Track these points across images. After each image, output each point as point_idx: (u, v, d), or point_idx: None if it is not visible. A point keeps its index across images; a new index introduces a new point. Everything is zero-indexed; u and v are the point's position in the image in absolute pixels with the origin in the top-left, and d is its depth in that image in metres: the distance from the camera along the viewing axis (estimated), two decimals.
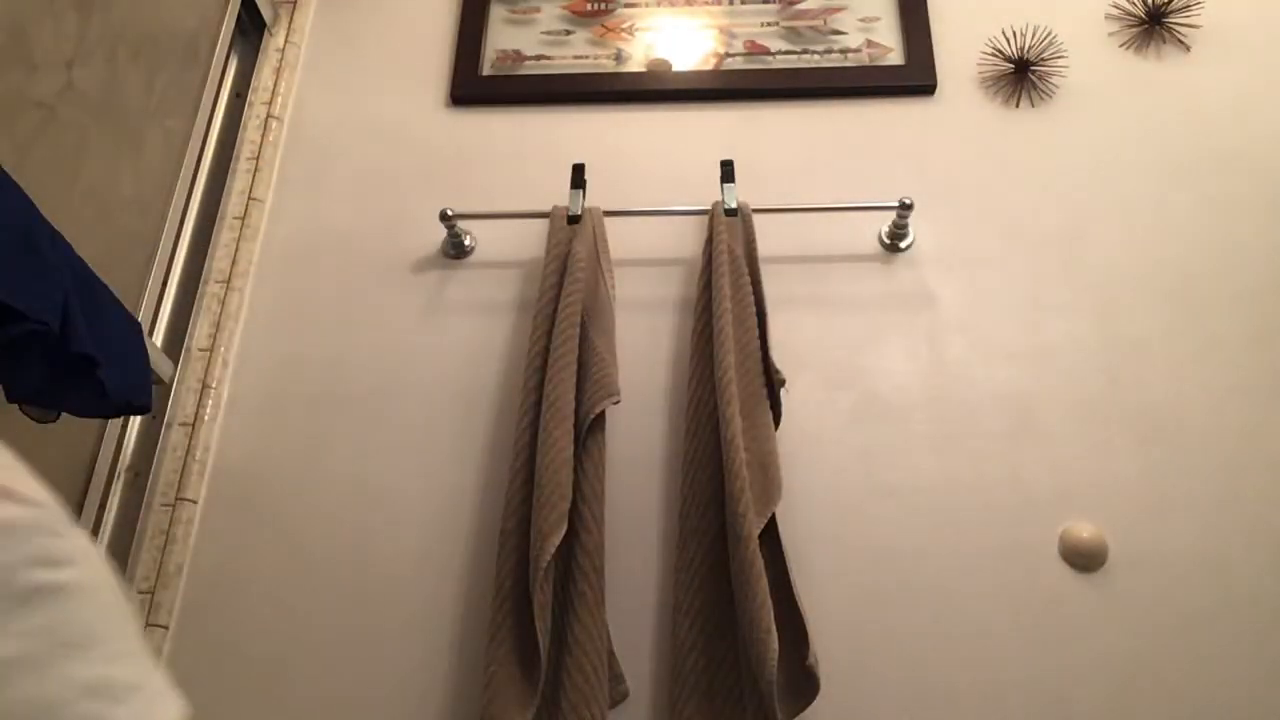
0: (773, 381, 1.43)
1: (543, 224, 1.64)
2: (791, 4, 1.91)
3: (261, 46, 1.90)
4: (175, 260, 1.64)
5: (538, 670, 1.23)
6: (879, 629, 1.39)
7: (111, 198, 1.44)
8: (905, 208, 1.60)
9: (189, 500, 1.51)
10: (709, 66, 1.86)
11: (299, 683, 1.41)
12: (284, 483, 1.54)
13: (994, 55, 1.80)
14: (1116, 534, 1.43)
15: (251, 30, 1.90)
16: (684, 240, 1.67)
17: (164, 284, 1.60)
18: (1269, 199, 1.67)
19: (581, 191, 1.61)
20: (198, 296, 1.64)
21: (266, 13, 1.89)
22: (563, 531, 1.28)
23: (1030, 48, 1.78)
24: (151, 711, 0.44)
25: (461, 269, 1.70)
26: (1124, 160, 1.72)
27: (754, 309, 1.47)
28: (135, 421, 1.53)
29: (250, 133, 1.81)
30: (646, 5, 1.94)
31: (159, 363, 1.49)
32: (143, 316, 1.49)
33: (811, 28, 1.89)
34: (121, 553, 1.44)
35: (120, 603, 0.45)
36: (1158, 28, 1.81)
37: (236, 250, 1.70)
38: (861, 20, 1.88)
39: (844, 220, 1.66)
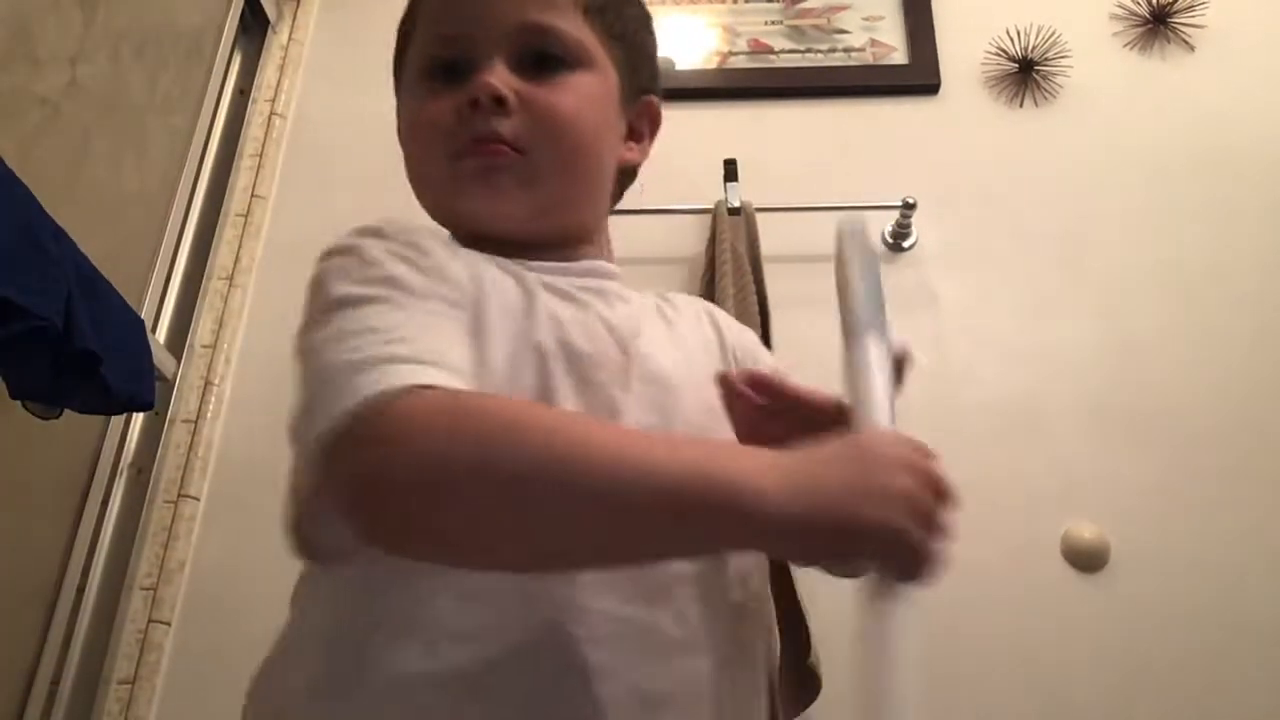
0: None
1: None
2: (795, 3, 1.91)
3: (265, 43, 1.90)
4: (178, 257, 1.64)
5: None
6: None
7: (115, 194, 1.44)
8: (909, 207, 1.60)
9: (191, 497, 1.51)
10: (712, 65, 1.86)
11: None
12: (286, 480, 1.54)
13: (998, 55, 1.80)
14: (1119, 534, 1.43)
15: (255, 27, 1.90)
16: (686, 239, 1.67)
17: (167, 280, 1.60)
18: (1272, 199, 1.66)
19: None
20: (200, 293, 1.64)
21: (270, 10, 1.89)
22: None
23: (1034, 47, 1.78)
24: None
25: None
26: (1128, 160, 1.71)
27: (757, 308, 1.47)
28: (138, 418, 1.53)
29: (254, 129, 1.80)
30: (650, 4, 1.93)
31: (162, 359, 1.49)
32: (146, 313, 1.49)
33: (815, 26, 1.88)
34: (124, 549, 1.44)
35: None
36: (1162, 28, 1.81)
37: (239, 247, 1.70)
38: (865, 19, 1.88)
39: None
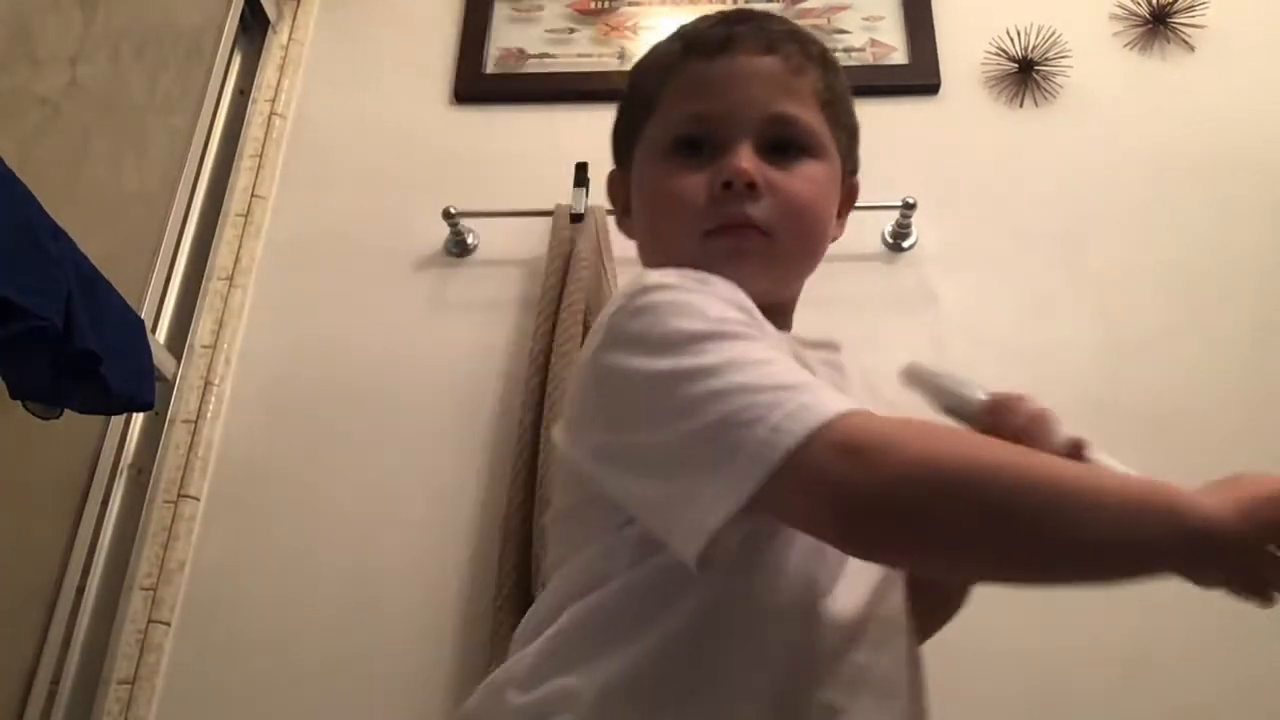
0: None
1: (545, 222, 1.64)
2: (795, 3, 1.91)
3: (265, 43, 1.90)
4: (178, 257, 1.64)
5: None
6: None
7: (115, 194, 1.44)
8: (909, 207, 1.60)
9: (191, 497, 1.51)
10: None
11: (302, 679, 1.42)
12: (286, 479, 1.54)
13: (998, 55, 1.80)
14: None
15: (255, 27, 1.90)
16: None
17: (167, 280, 1.60)
18: (1273, 199, 1.66)
19: (585, 190, 1.60)
20: (200, 293, 1.64)
21: (270, 10, 1.89)
22: None
23: (1034, 47, 1.78)
24: None
25: (464, 267, 1.70)
26: (1128, 160, 1.71)
27: None
28: (138, 418, 1.53)
29: (254, 129, 1.81)
30: (650, 4, 1.94)
31: (162, 359, 1.49)
32: (146, 313, 1.49)
33: (815, 27, 1.88)
34: (124, 549, 1.44)
35: None
36: (1162, 28, 1.81)
37: (239, 247, 1.70)
38: (865, 19, 1.88)
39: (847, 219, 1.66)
